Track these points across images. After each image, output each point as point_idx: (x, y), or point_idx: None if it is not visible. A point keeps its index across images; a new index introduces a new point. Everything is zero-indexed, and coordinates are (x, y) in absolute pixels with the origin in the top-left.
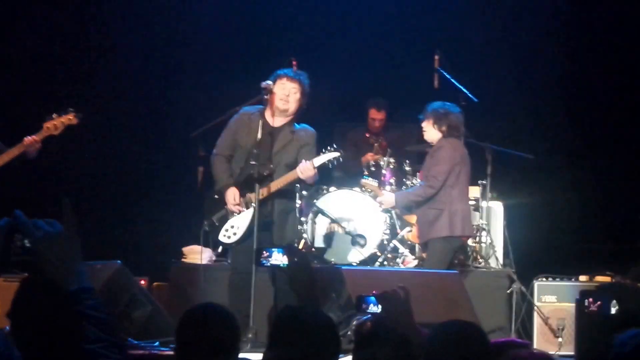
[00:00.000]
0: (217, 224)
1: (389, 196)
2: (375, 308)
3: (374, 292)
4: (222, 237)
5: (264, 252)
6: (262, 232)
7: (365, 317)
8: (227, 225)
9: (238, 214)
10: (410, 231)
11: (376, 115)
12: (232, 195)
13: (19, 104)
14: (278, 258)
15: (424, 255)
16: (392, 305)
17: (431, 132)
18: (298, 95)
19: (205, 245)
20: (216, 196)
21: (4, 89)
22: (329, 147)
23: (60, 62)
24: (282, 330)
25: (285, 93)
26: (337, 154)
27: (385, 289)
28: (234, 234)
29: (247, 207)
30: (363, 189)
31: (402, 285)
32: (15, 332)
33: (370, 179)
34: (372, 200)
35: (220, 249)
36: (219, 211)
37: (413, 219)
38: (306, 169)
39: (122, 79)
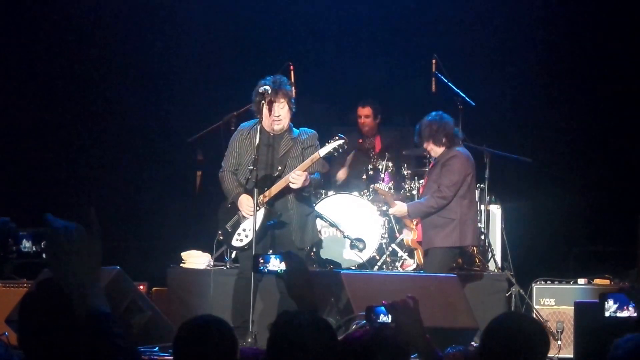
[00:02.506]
0: (230, 230)
1: (401, 207)
2: (385, 318)
3: (383, 302)
4: (235, 241)
5: (261, 259)
6: (279, 230)
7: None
8: (239, 230)
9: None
10: (410, 236)
11: (361, 112)
12: (245, 199)
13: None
14: (275, 264)
15: (420, 260)
16: (402, 315)
17: (436, 150)
18: (287, 108)
19: (217, 253)
20: (229, 205)
21: None
22: (334, 137)
23: (60, 68)
24: (279, 336)
25: (276, 114)
26: (341, 142)
27: (394, 299)
28: (246, 236)
29: (259, 208)
30: (375, 194)
31: (411, 295)
32: (22, 338)
33: (383, 184)
34: (371, 204)
35: (234, 254)
36: (232, 218)
37: (412, 222)
38: (297, 177)
39: (120, 85)
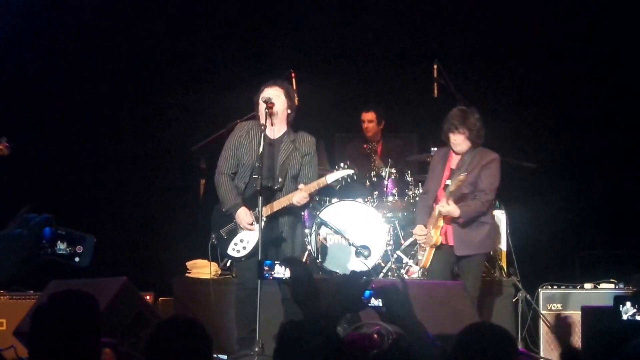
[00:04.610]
0: (225, 237)
1: (455, 209)
2: (375, 302)
3: (372, 285)
4: (231, 251)
5: (265, 266)
6: (272, 248)
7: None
8: (236, 239)
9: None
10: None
11: (365, 117)
12: (244, 214)
13: None
14: (279, 271)
15: (426, 263)
16: (391, 298)
17: (463, 143)
18: (282, 98)
19: (213, 258)
20: (225, 210)
21: None
22: (342, 165)
23: (66, 76)
24: (285, 345)
25: (268, 95)
26: (350, 172)
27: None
28: (243, 248)
29: (257, 222)
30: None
31: (401, 277)
32: (33, 351)
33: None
34: (375, 211)
35: (228, 262)
36: (228, 224)
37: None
38: (302, 198)
39: (124, 94)
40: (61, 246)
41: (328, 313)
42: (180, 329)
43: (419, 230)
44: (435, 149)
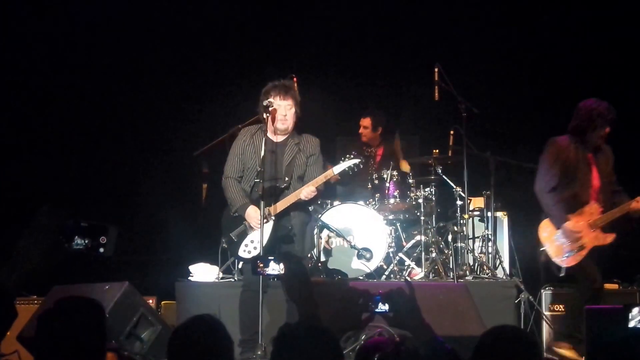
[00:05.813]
0: (235, 239)
1: None
2: (383, 307)
3: (380, 291)
4: (242, 252)
5: (259, 262)
6: (285, 245)
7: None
8: (246, 240)
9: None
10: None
11: (361, 122)
12: (254, 212)
13: None
14: (275, 268)
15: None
16: (399, 302)
17: None
18: (293, 110)
19: (223, 261)
20: (233, 214)
21: None
22: (348, 155)
23: (72, 81)
24: (281, 348)
25: (283, 113)
26: (356, 161)
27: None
28: (254, 248)
29: (267, 221)
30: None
31: (408, 281)
32: (39, 356)
33: None
34: (377, 214)
35: (240, 264)
36: (237, 227)
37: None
38: (310, 192)
39: (125, 99)
40: (79, 241)
41: (329, 328)
42: (201, 328)
43: (575, 225)
44: (438, 150)
